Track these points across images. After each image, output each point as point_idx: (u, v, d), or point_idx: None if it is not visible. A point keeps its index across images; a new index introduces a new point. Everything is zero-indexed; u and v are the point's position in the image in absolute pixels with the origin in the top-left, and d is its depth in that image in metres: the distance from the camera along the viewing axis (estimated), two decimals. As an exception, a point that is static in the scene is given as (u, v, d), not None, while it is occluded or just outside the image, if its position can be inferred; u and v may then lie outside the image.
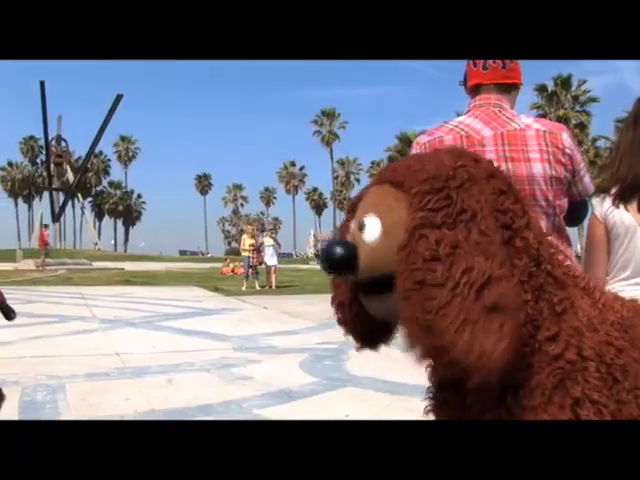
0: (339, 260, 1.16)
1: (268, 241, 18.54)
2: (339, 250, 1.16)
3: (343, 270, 1.18)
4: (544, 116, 46.64)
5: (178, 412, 4.63)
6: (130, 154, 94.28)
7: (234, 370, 6.27)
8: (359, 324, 1.31)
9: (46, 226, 31.34)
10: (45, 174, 60.06)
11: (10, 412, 4.53)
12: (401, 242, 1.09)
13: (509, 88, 2.15)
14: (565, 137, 2.02)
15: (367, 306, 1.22)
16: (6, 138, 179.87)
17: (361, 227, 1.17)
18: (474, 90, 2.16)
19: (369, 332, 1.33)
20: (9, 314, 2.05)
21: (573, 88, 49.74)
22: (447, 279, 1.04)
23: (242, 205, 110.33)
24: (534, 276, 1.16)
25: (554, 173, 1.97)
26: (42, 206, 58.63)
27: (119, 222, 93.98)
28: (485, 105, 2.10)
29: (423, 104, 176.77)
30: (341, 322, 1.37)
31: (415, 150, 2.15)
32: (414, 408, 4.32)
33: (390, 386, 5.52)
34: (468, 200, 1.09)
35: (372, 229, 1.16)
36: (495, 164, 1.26)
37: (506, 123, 2.04)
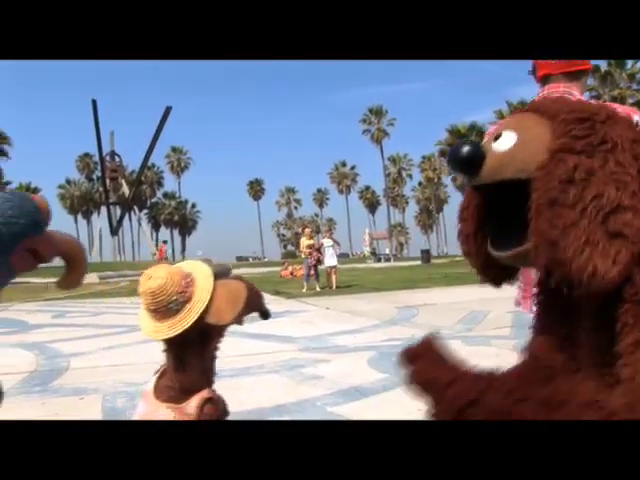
0: (464, 156, 1.19)
1: (327, 242, 18.62)
2: (467, 148, 1.19)
3: (467, 167, 1.21)
4: (598, 98, 45.46)
5: (254, 413, 4.74)
6: (182, 164, 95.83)
7: (304, 370, 6.38)
8: (483, 256, 1.34)
9: (165, 242, 30.58)
10: (101, 189, 61.57)
11: (94, 417, 4.74)
12: (541, 162, 1.15)
13: (578, 74, 2.16)
14: (636, 120, 2.00)
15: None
16: (64, 157, 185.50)
17: (497, 137, 1.21)
18: (543, 80, 2.19)
19: (491, 266, 1.36)
20: (267, 315, 2.11)
21: (628, 66, 48.35)
22: (578, 201, 1.11)
23: (296, 208, 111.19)
24: None
25: None
26: (100, 221, 60.07)
27: (175, 232, 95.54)
28: (554, 94, 2.13)
29: (471, 95, 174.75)
30: (466, 254, 1.40)
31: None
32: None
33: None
34: (611, 132, 1.15)
35: (507, 139, 1.19)
36: None
37: None
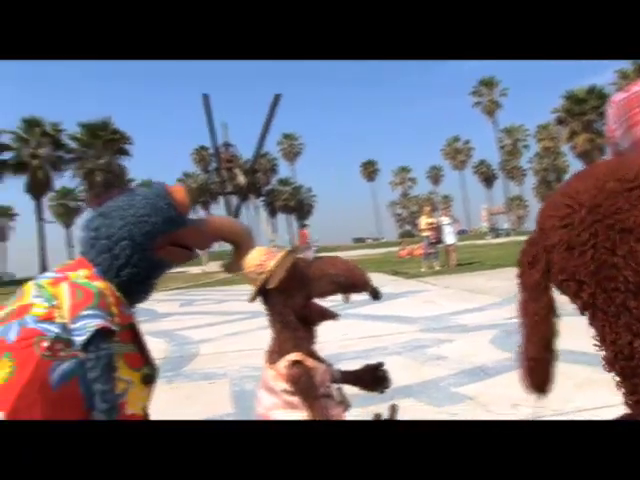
0: None
1: (445, 220, 18.34)
2: None
3: None
4: None
5: (378, 396, 4.77)
6: (295, 150, 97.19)
7: (426, 351, 6.36)
8: None
9: (305, 225, 29.49)
10: (218, 180, 63.37)
11: (225, 401, 4.94)
12: None
13: None
14: None
15: None
16: (180, 151, 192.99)
17: None
18: None
19: None
20: (377, 294, 2.28)
21: None
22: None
23: (410, 187, 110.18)
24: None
25: None
26: (219, 211, 61.94)
27: (292, 218, 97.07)
28: None
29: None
30: None
31: (610, 110, 2.09)
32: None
33: (588, 358, 5.31)
34: (527, 280, 1.42)
35: None
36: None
37: None
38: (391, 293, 11.95)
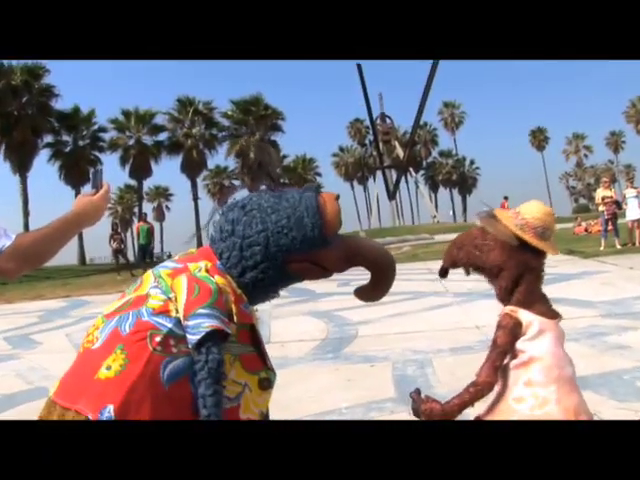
0: None
1: (630, 192, 17.15)
2: None
3: None
4: None
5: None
6: (457, 120, 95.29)
7: (607, 339, 6.07)
8: None
9: (506, 198, 27.89)
10: (375, 154, 63.63)
11: (386, 385, 4.99)
12: None
13: None
14: None
15: None
16: (335, 125, 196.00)
17: None
18: None
19: None
20: None
21: None
22: None
23: (586, 156, 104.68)
24: None
25: None
26: (377, 186, 62.36)
27: (455, 192, 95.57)
28: None
29: None
30: None
31: None
32: None
33: None
34: None
35: None
36: None
37: None
38: (566, 274, 11.46)
